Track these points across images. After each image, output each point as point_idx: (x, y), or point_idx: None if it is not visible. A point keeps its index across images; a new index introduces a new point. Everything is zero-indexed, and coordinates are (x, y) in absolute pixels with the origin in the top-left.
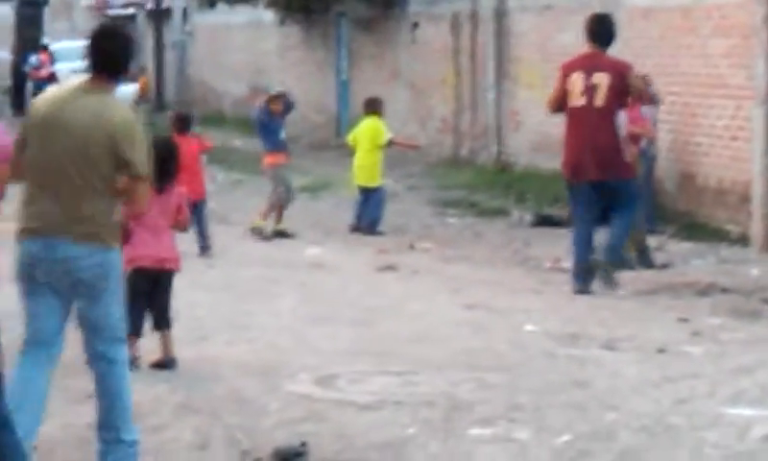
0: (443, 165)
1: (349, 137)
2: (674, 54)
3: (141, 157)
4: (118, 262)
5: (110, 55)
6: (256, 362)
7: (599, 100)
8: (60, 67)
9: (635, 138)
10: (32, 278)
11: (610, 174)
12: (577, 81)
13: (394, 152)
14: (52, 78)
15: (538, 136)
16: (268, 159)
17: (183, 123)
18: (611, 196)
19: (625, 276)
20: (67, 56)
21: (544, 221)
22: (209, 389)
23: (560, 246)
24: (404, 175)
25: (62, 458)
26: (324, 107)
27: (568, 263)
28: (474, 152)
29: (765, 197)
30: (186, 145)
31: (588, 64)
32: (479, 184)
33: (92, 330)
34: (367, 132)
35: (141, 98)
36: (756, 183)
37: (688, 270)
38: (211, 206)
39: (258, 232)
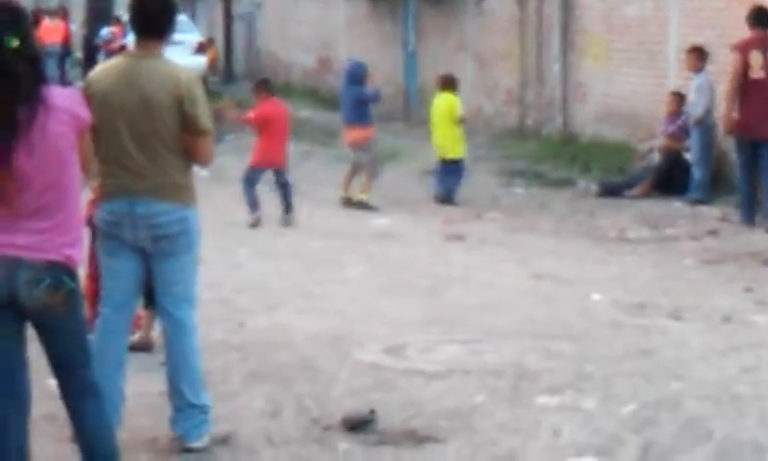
0: (508, 136)
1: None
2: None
3: (205, 112)
4: (196, 222)
5: (154, 18)
6: (326, 331)
7: None
8: (132, 39)
9: None
10: (114, 237)
11: None
12: (757, 57)
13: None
14: (123, 50)
15: (603, 107)
16: (365, 133)
17: (268, 86)
18: None
19: (690, 245)
20: None
21: (611, 191)
22: (279, 357)
23: (625, 216)
24: (471, 146)
25: (134, 426)
26: (392, 79)
27: (633, 233)
28: (540, 123)
29: None
30: (275, 108)
31: (761, 44)
32: (544, 155)
33: (165, 290)
34: (444, 108)
35: (210, 70)
36: None
37: (753, 239)
38: None
39: (364, 205)
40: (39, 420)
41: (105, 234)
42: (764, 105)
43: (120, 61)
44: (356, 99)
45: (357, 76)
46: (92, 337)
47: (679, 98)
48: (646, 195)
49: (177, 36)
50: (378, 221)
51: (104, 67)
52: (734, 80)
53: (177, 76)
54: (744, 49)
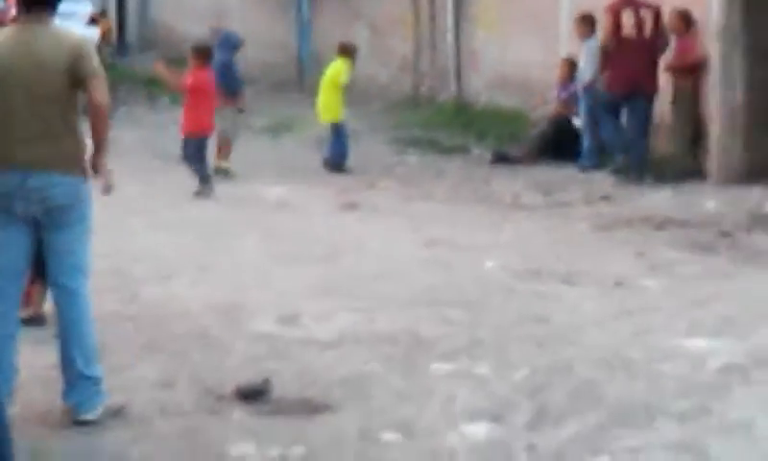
0: (403, 104)
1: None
2: None
3: (97, 62)
4: (89, 193)
5: None
6: (220, 301)
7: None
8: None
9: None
10: (3, 209)
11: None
12: (629, 17)
13: (354, 91)
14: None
15: (496, 75)
16: (230, 102)
17: (207, 53)
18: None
19: (583, 210)
20: None
21: (503, 158)
22: (173, 328)
23: (518, 183)
24: (364, 114)
25: (26, 399)
26: (286, 47)
27: (527, 199)
28: (434, 91)
29: (722, 129)
30: (210, 77)
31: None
32: (439, 123)
33: (58, 261)
34: (331, 73)
35: (103, 42)
36: (713, 118)
37: (645, 204)
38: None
39: (224, 173)
40: None
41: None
42: (636, 62)
43: (10, 30)
44: (222, 66)
45: (230, 45)
46: None
47: (571, 64)
48: (535, 161)
49: (68, 8)
50: (273, 190)
51: None
52: (606, 39)
53: (69, 37)
54: (615, 10)
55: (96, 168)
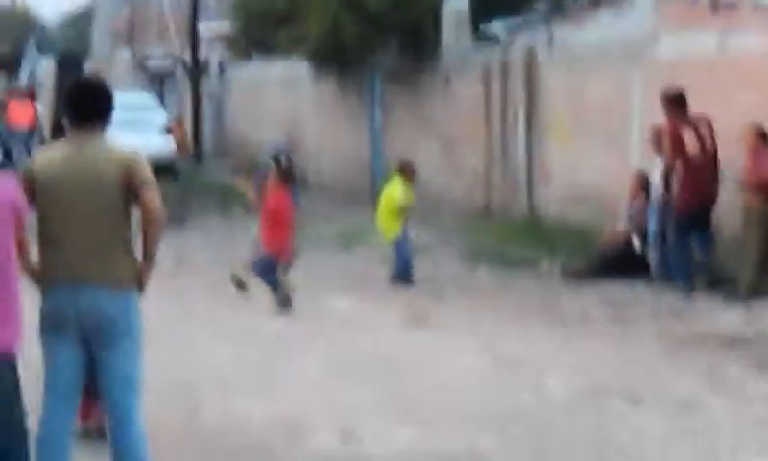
0: (474, 218)
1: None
2: (699, 106)
3: (149, 173)
4: (137, 308)
5: (93, 103)
6: (280, 416)
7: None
8: None
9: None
10: (56, 326)
11: None
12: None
13: (426, 203)
14: None
15: (567, 189)
16: None
17: (289, 177)
18: None
19: (651, 327)
20: None
21: (572, 274)
22: (232, 443)
23: (587, 298)
24: (436, 226)
25: None
26: (358, 158)
27: (595, 315)
28: (505, 204)
29: None
30: (287, 200)
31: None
32: (510, 237)
33: (109, 378)
34: (388, 192)
35: (180, 150)
36: None
37: (714, 321)
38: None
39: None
40: None
41: (47, 325)
42: (704, 181)
43: (63, 146)
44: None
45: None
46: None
47: (642, 178)
48: (604, 277)
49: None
50: (340, 302)
51: (46, 153)
52: (671, 161)
53: (121, 153)
54: (675, 131)
55: (142, 277)
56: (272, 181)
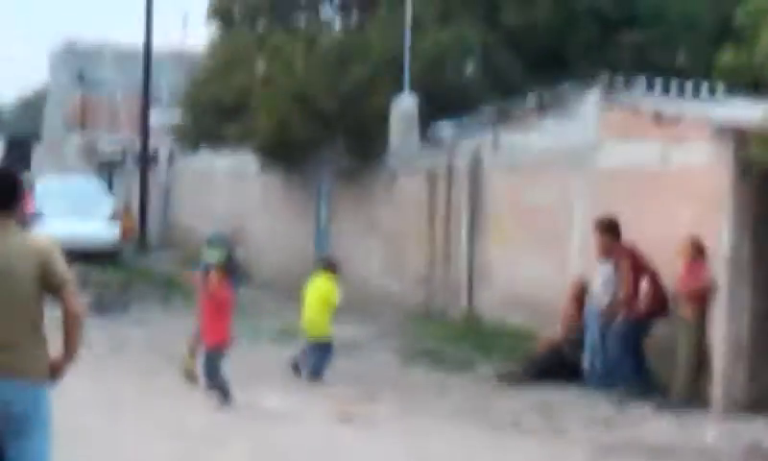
0: (415, 317)
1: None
2: (640, 216)
3: (65, 268)
4: (48, 400)
5: (6, 193)
6: None
7: None
8: (45, 205)
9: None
10: None
11: None
12: None
13: (368, 300)
14: (36, 215)
15: (507, 292)
16: None
17: (230, 269)
18: None
19: (581, 435)
20: (52, 194)
21: (507, 377)
22: None
23: (521, 403)
24: (376, 326)
25: None
26: (303, 253)
27: (527, 421)
28: (446, 304)
29: (726, 359)
30: (229, 289)
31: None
32: (448, 337)
33: None
34: (318, 288)
35: (125, 238)
36: (718, 347)
37: (644, 430)
38: None
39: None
40: None
41: None
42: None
43: None
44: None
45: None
46: None
47: (580, 285)
48: (539, 382)
49: (88, 206)
50: (272, 398)
51: None
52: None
53: (35, 242)
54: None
55: (57, 373)
56: (216, 271)
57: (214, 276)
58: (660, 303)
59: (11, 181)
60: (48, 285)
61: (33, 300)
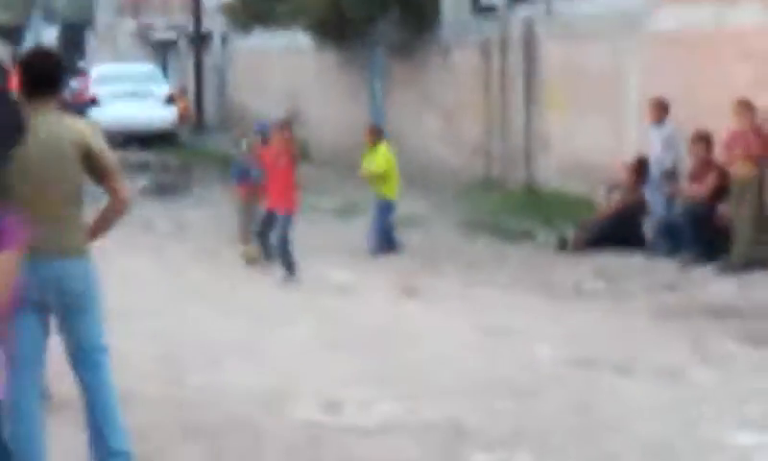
0: (473, 189)
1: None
2: (694, 79)
3: (109, 151)
4: (96, 273)
5: (47, 75)
6: (265, 387)
7: None
8: (101, 90)
9: None
10: (20, 300)
11: None
12: None
13: (426, 174)
14: (93, 101)
15: (565, 160)
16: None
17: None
18: None
19: (644, 299)
20: (109, 79)
21: (568, 245)
22: (215, 414)
23: (582, 269)
24: (435, 198)
25: None
26: (359, 130)
27: (589, 287)
28: (504, 175)
29: None
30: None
31: None
32: (508, 208)
33: (76, 345)
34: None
35: (182, 120)
36: None
37: (707, 293)
38: None
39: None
40: None
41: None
42: None
43: None
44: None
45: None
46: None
47: (639, 165)
48: (600, 248)
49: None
50: (335, 274)
51: None
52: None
53: (78, 126)
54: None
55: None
56: (277, 139)
57: (275, 141)
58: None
59: (53, 61)
60: (93, 169)
61: (76, 181)
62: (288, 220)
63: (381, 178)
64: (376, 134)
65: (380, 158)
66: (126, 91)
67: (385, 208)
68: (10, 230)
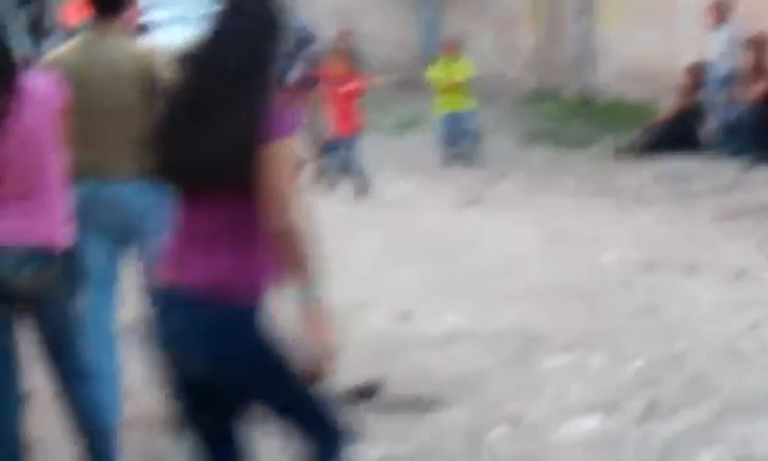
0: (528, 99)
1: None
2: None
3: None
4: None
5: None
6: (333, 299)
7: None
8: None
9: None
10: (84, 219)
11: None
12: None
13: (480, 86)
14: (142, 28)
15: (620, 67)
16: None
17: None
18: None
19: (707, 201)
20: (158, 4)
21: (628, 150)
22: (284, 325)
23: (643, 174)
24: (491, 110)
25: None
26: (411, 45)
27: (651, 191)
28: (560, 84)
29: None
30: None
31: None
32: (564, 117)
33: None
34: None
35: None
36: None
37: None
38: None
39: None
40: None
41: (76, 217)
42: None
43: (83, 39)
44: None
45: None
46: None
47: (696, 70)
48: (661, 153)
49: (190, 11)
50: (396, 187)
51: (68, 46)
52: None
53: (139, 46)
54: None
55: None
56: (334, 62)
57: (336, 63)
58: None
59: None
60: (150, 87)
61: (137, 103)
62: (355, 141)
63: (462, 87)
64: (457, 45)
65: (464, 68)
66: (175, 17)
67: (470, 117)
68: (281, 119)
